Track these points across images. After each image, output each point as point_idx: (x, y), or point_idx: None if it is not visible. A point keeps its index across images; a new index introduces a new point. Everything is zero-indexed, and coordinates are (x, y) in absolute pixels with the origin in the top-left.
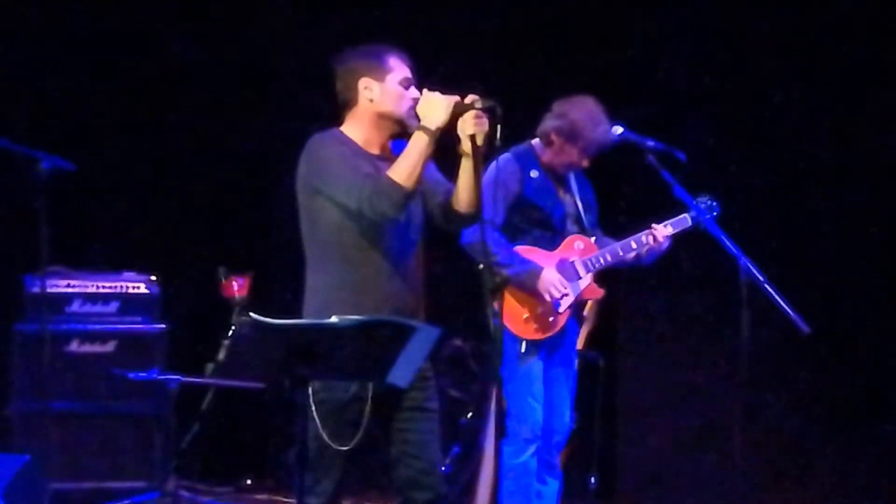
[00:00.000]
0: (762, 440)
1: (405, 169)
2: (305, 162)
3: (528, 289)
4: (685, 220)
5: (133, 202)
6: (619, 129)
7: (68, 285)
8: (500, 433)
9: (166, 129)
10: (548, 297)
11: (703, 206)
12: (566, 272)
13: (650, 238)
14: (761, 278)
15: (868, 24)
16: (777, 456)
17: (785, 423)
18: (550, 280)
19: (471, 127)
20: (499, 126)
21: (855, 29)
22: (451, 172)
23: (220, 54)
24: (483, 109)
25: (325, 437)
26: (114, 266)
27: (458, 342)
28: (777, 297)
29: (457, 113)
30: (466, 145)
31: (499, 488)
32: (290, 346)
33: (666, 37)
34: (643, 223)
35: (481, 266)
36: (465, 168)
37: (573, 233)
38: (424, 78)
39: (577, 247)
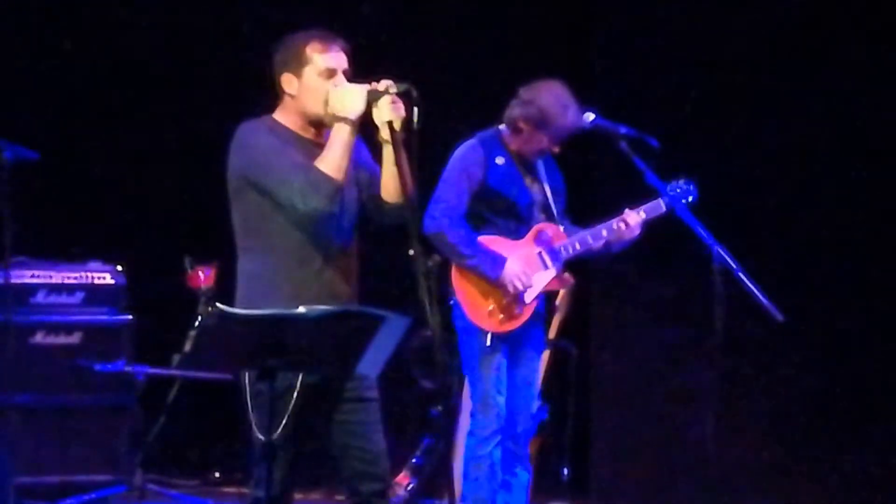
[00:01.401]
0: (737, 431)
1: (332, 161)
2: (235, 150)
3: (492, 280)
4: (658, 205)
5: (98, 192)
6: (590, 116)
7: (33, 276)
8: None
9: (131, 117)
10: (511, 289)
11: (678, 189)
12: (532, 262)
13: (621, 225)
14: (735, 267)
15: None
16: (752, 447)
17: (760, 413)
18: (514, 271)
19: (387, 113)
20: (416, 109)
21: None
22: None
23: (184, 42)
24: (398, 94)
25: (255, 428)
26: (79, 256)
27: (428, 333)
28: (751, 286)
29: (371, 100)
30: (385, 132)
31: (463, 479)
32: (258, 336)
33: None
34: (615, 211)
35: (411, 252)
36: (387, 156)
37: (540, 221)
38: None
39: (545, 235)
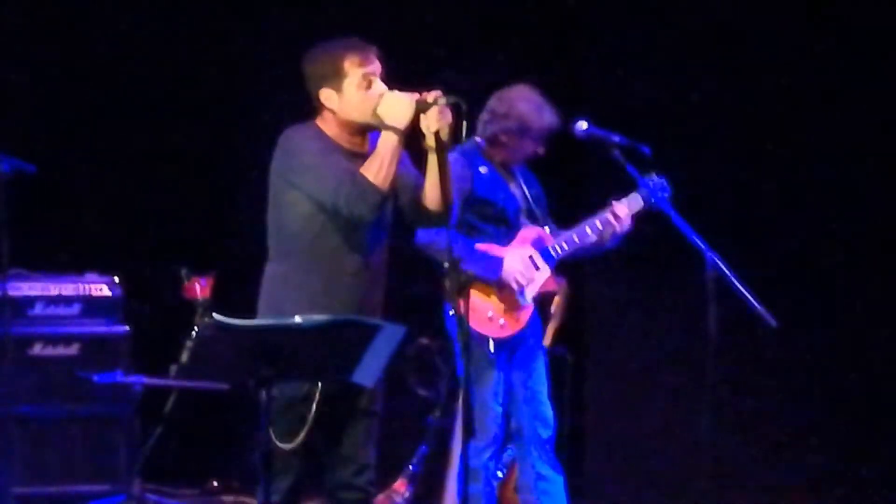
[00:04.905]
0: (729, 434)
1: (378, 170)
2: (282, 153)
3: (491, 280)
4: (637, 198)
5: (94, 203)
6: (584, 125)
7: (30, 288)
8: (469, 433)
9: (127, 129)
10: (514, 285)
11: (652, 185)
12: (526, 264)
13: (610, 217)
14: (728, 273)
15: None
16: (746, 449)
17: (752, 416)
18: (514, 268)
19: (435, 123)
20: (464, 122)
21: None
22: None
23: (179, 54)
24: (447, 105)
25: (272, 435)
26: (76, 268)
27: (424, 340)
28: (744, 292)
29: (420, 110)
30: (431, 141)
31: (459, 490)
32: (254, 346)
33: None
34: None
35: (446, 265)
36: (432, 164)
37: (525, 226)
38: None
39: (532, 238)
